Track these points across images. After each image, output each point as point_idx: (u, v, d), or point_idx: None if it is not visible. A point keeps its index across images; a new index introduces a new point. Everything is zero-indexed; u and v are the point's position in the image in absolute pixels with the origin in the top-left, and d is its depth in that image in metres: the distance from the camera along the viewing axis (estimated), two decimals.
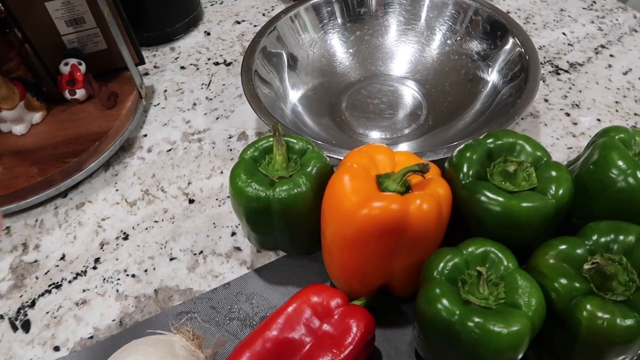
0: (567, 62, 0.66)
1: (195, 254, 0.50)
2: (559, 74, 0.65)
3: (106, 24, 0.57)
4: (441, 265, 0.36)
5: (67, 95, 0.60)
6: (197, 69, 0.71)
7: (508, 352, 0.32)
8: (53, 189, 0.55)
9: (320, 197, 0.41)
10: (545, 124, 0.59)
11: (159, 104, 0.67)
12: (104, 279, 0.49)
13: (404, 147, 0.57)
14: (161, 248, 0.51)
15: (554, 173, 0.39)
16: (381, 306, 0.44)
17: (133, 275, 0.49)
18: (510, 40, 0.57)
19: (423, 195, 0.38)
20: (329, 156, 0.46)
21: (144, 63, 0.66)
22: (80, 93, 0.60)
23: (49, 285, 0.49)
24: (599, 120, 0.59)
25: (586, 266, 0.34)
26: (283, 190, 0.41)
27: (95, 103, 0.61)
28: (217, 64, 0.72)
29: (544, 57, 0.67)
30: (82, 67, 0.59)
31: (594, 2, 0.75)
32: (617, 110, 0.59)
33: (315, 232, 0.44)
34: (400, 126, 0.60)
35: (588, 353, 0.34)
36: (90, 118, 0.60)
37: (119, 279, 0.49)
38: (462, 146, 0.42)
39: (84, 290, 0.49)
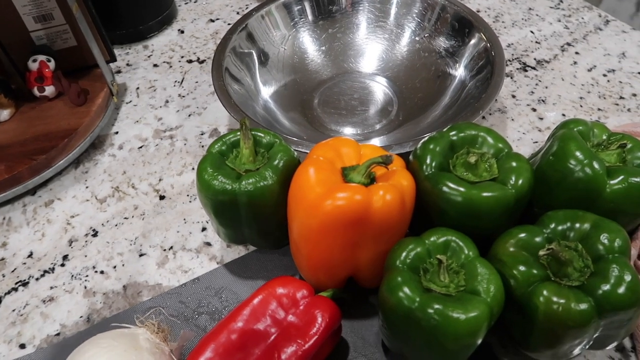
0: (535, 59, 0.68)
1: (165, 250, 0.50)
2: (526, 70, 0.66)
3: (75, 21, 0.57)
4: (404, 254, 0.37)
5: (36, 92, 0.60)
6: (170, 66, 0.71)
7: (466, 337, 0.33)
8: (21, 186, 0.54)
9: (287, 190, 0.42)
10: (513, 119, 0.60)
11: (131, 101, 0.66)
12: (72, 275, 0.49)
13: (375, 142, 0.58)
14: (131, 244, 0.51)
15: (514, 164, 0.40)
16: (349, 297, 0.44)
17: (102, 272, 0.49)
18: (476, 35, 0.58)
19: (386, 186, 0.38)
20: (300, 151, 0.47)
21: (115, 60, 0.65)
22: (49, 90, 0.60)
23: (16, 283, 0.49)
24: (563, 115, 0.60)
25: (541, 253, 0.35)
26: (249, 183, 0.41)
27: (65, 100, 0.61)
28: (190, 61, 0.72)
29: (512, 55, 0.68)
30: (51, 64, 0.59)
31: (561, 1, 0.77)
32: (581, 106, 0.61)
33: (284, 225, 0.44)
34: (371, 122, 0.61)
35: (545, 338, 0.35)
36: (60, 115, 0.59)
37: (87, 276, 0.49)
38: (425, 138, 0.43)
39: (51, 288, 0.48)
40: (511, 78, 0.65)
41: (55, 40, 0.61)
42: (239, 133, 0.44)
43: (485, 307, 0.33)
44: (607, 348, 0.39)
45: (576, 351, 0.36)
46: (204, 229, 0.52)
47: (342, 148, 0.42)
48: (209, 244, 0.51)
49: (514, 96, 0.63)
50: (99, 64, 0.60)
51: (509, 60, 0.68)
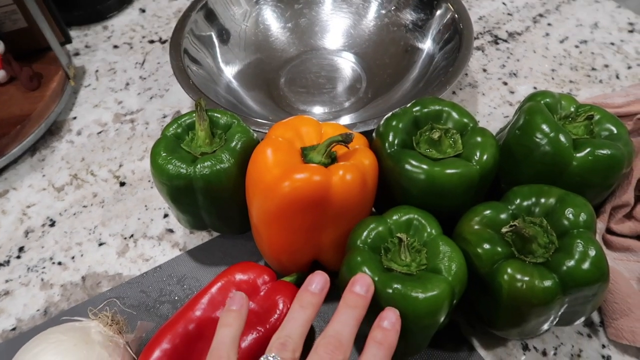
0: (506, 31, 0.66)
1: (125, 238, 0.48)
2: (497, 43, 0.64)
3: (23, 1, 0.54)
4: (364, 234, 0.36)
5: None
6: (131, 47, 0.68)
7: (426, 317, 0.32)
8: None
9: (245, 173, 0.40)
10: (483, 94, 0.59)
11: (90, 84, 0.64)
12: (28, 268, 0.47)
13: (345, 120, 0.57)
14: (90, 234, 0.49)
15: (479, 139, 0.39)
16: None
17: (59, 263, 0.47)
18: (443, 6, 0.56)
19: (346, 166, 0.37)
20: (262, 132, 0.45)
21: (70, 42, 0.62)
22: None
23: None
24: (535, 88, 0.59)
25: (504, 230, 0.34)
26: (205, 166, 0.39)
27: (18, 85, 0.58)
28: (152, 41, 0.69)
29: (484, 27, 0.67)
30: (0, 47, 0.56)
31: None
32: (552, 78, 0.60)
33: (245, 209, 0.42)
34: (340, 100, 0.59)
35: (510, 316, 0.34)
36: (12, 101, 0.56)
37: (44, 268, 0.47)
38: (388, 115, 0.41)
39: (6, 281, 0.46)
40: (482, 51, 0.64)
41: (3, 21, 0.57)
42: (194, 114, 0.42)
43: (445, 286, 0.32)
44: (575, 324, 0.39)
45: (544, 327, 0.36)
46: (166, 216, 0.50)
47: (302, 127, 0.40)
48: (171, 230, 0.49)
49: (484, 70, 0.61)
50: (52, 46, 0.57)
51: (480, 34, 0.66)
